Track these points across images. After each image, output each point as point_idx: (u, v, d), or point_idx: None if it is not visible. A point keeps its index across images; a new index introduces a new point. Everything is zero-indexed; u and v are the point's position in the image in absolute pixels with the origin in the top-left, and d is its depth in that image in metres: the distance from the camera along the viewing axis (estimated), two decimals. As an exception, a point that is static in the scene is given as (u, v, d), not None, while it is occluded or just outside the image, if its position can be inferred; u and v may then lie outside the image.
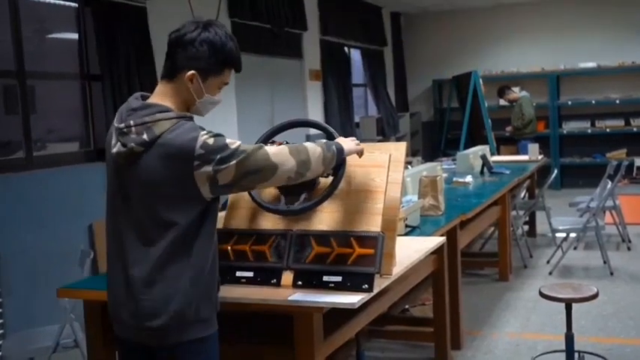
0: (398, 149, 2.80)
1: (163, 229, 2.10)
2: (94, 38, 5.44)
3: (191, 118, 2.17)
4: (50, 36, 5.93)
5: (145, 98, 2.20)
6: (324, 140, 2.43)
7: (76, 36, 5.56)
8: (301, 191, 2.58)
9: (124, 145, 2.11)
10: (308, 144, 2.30)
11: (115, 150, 2.14)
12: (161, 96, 2.18)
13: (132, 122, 2.10)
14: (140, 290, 2.12)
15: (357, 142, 2.54)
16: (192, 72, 2.14)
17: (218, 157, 2.06)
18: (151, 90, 2.26)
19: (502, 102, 10.92)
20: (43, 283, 4.63)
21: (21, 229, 4.71)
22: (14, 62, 4.87)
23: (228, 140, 2.11)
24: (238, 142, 2.12)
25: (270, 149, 2.16)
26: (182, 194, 2.09)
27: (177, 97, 2.18)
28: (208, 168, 2.06)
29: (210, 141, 2.07)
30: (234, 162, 2.07)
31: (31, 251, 4.74)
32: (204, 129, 2.12)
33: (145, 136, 2.08)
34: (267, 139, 2.75)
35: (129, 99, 2.21)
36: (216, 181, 2.09)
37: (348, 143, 2.47)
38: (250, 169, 2.11)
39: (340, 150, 2.40)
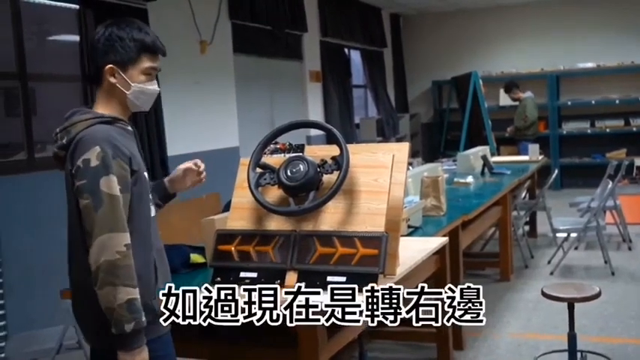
0: (401, 150, 2.80)
1: (80, 237, 2.07)
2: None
3: (109, 122, 2.13)
4: (51, 38, 5.94)
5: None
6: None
7: (77, 38, 5.56)
8: (309, 190, 2.59)
9: (53, 151, 2.17)
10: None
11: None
12: (96, 104, 2.21)
13: (58, 129, 2.15)
14: (74, 293, 2.20)
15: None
16: (109, 65, 2.17)
17: (84, 182, 2.01)
18: None
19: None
20: (44, 284, 4.64)
21: (22, 231, 4.72)
22: (15, 64, 4.88)
23: (103, 181, 2.00)
24: (113, 194, 2.01)
25: (110, 236, 1.98)
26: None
27: (109, 98, 2.20)
28: (76, 182, 2.05)
29: (93, 163, 2.01)
30: (85, 202, 2.01)
31: (33, 252, 4.75)
32: (107, 148, 2.03)
33: (64, 140, 2.12)
34: (269, 140, 2.77)
35: None
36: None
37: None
38: (89, 220, 2.01)
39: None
